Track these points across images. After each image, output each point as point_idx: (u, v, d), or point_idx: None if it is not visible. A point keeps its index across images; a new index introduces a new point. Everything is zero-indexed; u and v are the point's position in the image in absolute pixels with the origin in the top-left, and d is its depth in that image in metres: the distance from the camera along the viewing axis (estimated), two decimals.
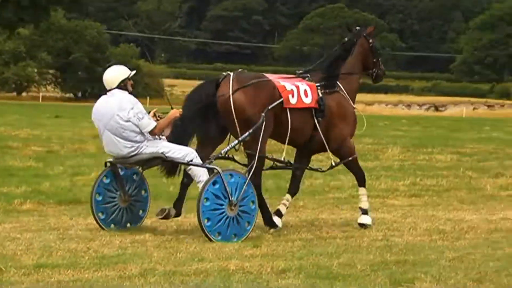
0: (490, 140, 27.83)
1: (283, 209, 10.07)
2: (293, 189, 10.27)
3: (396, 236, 9.36)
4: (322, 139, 9.94)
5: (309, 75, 10.25)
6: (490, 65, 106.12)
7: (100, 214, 9.47)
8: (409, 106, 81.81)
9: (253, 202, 9.14)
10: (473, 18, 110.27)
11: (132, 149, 9.17)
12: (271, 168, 10.18)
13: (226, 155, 9.80)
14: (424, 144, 23.87)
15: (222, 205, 8.87)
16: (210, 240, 8.74)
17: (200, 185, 9.00)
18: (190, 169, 9.23)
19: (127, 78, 9.32)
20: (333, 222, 10.42)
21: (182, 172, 9.51)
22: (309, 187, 13.61)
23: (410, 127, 36.92)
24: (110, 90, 9.27)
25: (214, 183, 8.86)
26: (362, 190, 10.20)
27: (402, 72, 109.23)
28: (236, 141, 9.45)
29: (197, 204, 8.77)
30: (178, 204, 9.54)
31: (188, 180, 9.47)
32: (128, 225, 9.63)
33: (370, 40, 10.69)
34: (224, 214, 8.87)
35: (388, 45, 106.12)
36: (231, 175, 9.02)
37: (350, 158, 10.19)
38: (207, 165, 9.20)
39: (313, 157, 10.49)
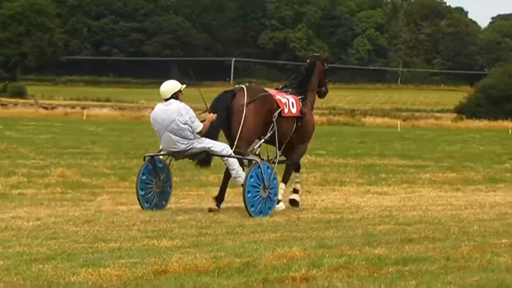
0: (3, 139, 27.69)
1: (280, 195, 12.43)
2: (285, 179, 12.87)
3: None
4: (292, 140, 12.75)
5: (289, 89, 12.99)
6: (3, 64, 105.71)
7: (140, 191, 12.00)
8: None
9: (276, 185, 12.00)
10: None
11: (188, 145, 11.82)
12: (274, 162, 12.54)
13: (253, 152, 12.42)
14: None
15: (259, 188, 11.59)
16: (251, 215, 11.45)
17: (234, 172, 11.79)
18: (226, 159, 11.87)
19: (179, 91, 11.88)
20: None
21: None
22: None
23: None
24: (166, 99, 11.80)
25: (253, 172, 11.56)
26: (282, 185, 12.65)
27: None
28: (261, 141, 12.39)
29: (243, 188, 11.47)
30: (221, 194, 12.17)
31: (226, 176, 12.10)
32: (162, 205, 12.22)
33: (325, 64, 13.58)
34: (260, 194, 11.61)
35: None
36: (265, 166, 11.82)
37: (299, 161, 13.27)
38: (247, 157, 12.04)
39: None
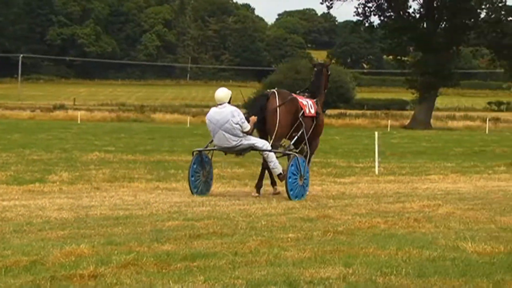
0: None
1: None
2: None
3: None
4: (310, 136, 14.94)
5: (306, 93, 15.50)
6: None
7: (191, 177, 14.38)
8: None
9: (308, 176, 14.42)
10: None
11: (238, 142, 14.11)
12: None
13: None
14: None
15: (296, 176, 13.92)
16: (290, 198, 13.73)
17: (272, 164, 14.12)
18: (266, 154, 14.15)
19: (231, 97, 14.23)
20: None
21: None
22: None
23: None
24: (220, 104, 14.11)
25: (294, 162, 13.88)
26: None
27: None
28: (295, 138, 14.66)
29: (284, 175, 13.88)
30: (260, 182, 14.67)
31: (266, 163, 14.36)
32: (206, 191, 14.50)
33: (329, 71, 16.15)
34: (297, 182, 13.94)
35: None
36: (301, 159, 14.13)
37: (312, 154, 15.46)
38: (287, 152, 14.44)
39: None
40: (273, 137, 14.35)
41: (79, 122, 57.64)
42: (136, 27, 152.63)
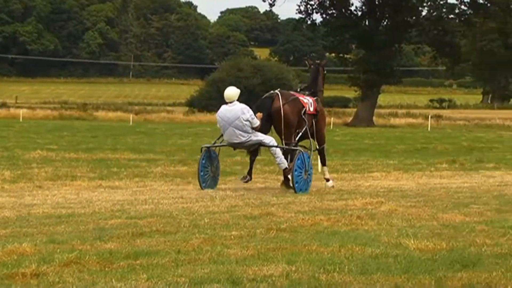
0: None
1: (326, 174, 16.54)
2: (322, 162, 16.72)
3: None
4: (313, 132, 16.08)
5: (307, 92, 16.54)
6: None
7: (200, 172, 15.11)
8: None
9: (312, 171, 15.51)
10: None
11: (247, 138, 15.02)
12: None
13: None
14: None
15: (302, 170, 14.96)
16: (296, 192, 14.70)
17: (278, 160, 15.19)
18: (273, 149, 15.21)
19: (240, 95, 15.17)
20: None
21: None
22: None
23: None
24: (230, 102, 15.06)
25: (300, 156, 14.96)
26: (325, 168, 16.58)
27: None
28: (299, 135, 15.76)
29: (290, 168, 14.94)
30: (250, 172, 15.60)
31: (254, 157, 15.66)
32: (213, 186, 15.30)
33: (325, 70, 17.26)
34: (302, 176, 14.96)
35: None
36: (306, 155, 15.22)
37: (323, 146, 16.61)
38: (292, 147, 15.43)
39: None
40: (282, 135, 15.61)
41: (21, 120, 56.92)
42: (79, 24, 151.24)
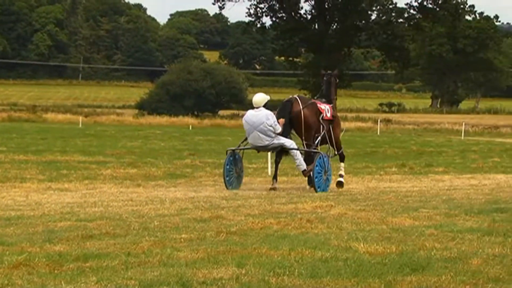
0: None
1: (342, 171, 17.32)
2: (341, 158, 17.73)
3: None
4: (330, 137, 17.11)
5: (323, 99, 17.45)
6: None
7: (227, 178, 16.34)
8: None
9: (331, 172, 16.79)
10: None
11: (270, 141, 16.31)
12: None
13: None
14: None
15: (321, 171, 16.19)
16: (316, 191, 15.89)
17: (297, 162, 16.44)
18: (293, 152, 16.39)
19: (267, 101, 16.52)
20: None
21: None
22: None
23: None
24: (257, 107, 16.43)
25: (320, 158, 16.17)
26: (342, 164, 17.50)
27: None
28: (318, 138, 16.85)
29: (310, 169, 16.14)
30: (275, 176, 16.59)
31: (278, 159, 16.71)
32: (238, 186, 16.58)
33: (337, 79, 18.31)
34: (321, 175, 16.20)
35: None
36: (325, 156, 16.48)
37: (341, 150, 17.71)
38: (313, 150, 16.57)
39: None
40: (303, 137, 16.75)
41: None
42: (27, 26, 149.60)
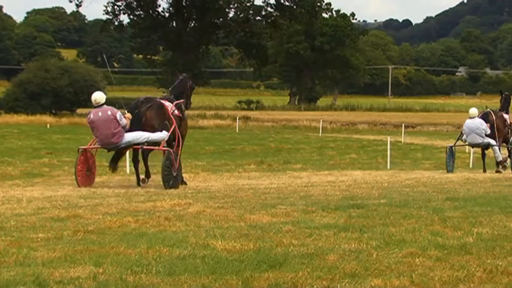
0: None
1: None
2: None
3: None
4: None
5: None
6: None
7: (450, 164, 23.44)
8: None
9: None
10: None
11: (482, 141, 23.42)
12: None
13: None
14: None
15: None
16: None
17: (496, 154, 23.79)
18: (494, 148, 24.04)
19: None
20: None
21: None
22: None
23: None
24: (472, 117, 23.47)
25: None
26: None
27: None
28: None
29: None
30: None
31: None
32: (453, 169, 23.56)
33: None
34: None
35: None
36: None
37: None
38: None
39: None
40: (496, 139, 23.55)
41: None
42: None
